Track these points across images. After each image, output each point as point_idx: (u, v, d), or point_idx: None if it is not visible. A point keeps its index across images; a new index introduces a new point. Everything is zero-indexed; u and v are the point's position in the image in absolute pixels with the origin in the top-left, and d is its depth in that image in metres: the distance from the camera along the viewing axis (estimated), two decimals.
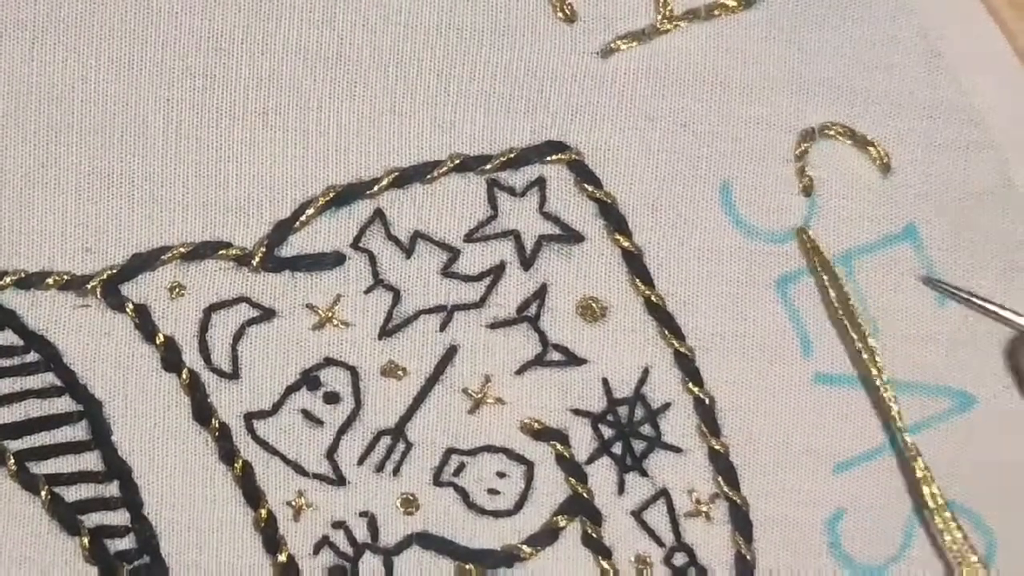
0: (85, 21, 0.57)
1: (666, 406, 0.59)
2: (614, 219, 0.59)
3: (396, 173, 0.58)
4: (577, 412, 0.58)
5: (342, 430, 0.58)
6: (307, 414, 0.57)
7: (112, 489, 0.57)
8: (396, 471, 0.58)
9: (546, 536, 0.58)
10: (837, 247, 0.59)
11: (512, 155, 0.58)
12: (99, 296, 0.57)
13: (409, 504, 0.58)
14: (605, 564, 0.58)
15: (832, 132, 0.60)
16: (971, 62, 0.60)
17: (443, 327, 0.58)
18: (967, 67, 0.60)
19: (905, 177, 0.60)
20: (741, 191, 0.59)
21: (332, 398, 0.58)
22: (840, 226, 0.59)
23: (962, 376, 0.60)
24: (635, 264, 0.59)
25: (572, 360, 0.58)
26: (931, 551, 0.59)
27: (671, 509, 0.58)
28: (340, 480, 0.57)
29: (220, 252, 0.57)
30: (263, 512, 0.57)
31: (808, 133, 0.59)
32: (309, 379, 0.57)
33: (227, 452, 0.57)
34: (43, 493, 0.56)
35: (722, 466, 0.58)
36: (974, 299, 0.59)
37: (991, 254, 0.60)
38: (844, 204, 0.60)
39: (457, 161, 0.58)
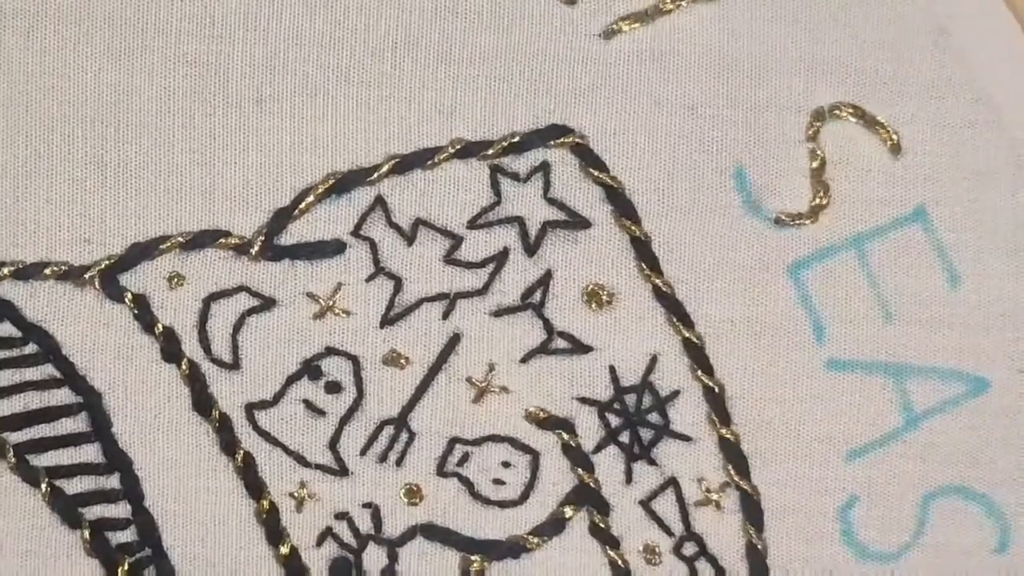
0: (80, 10, 0.57)
1: (675, 394, 0.58)
2: (621, 204, 0.58)
3: (397, 159, 0.57)
4: (583, 400, 0.58)
5: (344, 420, 0.57)
6: (309, 404, 0.57)
7: (113, 481, 0.57)
8: (399, 461, 0.57)
9: (553, 526, 0.57)
10: (847, 230, 0.59)
11: (515, 140, 0.58)
12: (98, 286, 0.57)
13: (413, 495, 0.57)
14: (613, 554, 0.57)
15: (842, 112, 0.59)
16: (979, 41, 0.59)
17: (446, 315, 0.57)
18: (975, 46, 0.59)
19: (914, 158, 0.59)
20: (753, 175, 0.59)
21: (334, 388, 0.57)
22: (850, 209, 0.59)
23: (975, 360, 0.59)
24: (643, 251, 0.58)
25: (578, 348, 0.58)
26: (945, 538, 0.58)
27: (680, 498, 0.58)
28: (343, 471, 0.57)
29: (219, 241, 0.57)
30: (265, 503, 0.57)
31: (819, 113, 0.59)
32: (310, 369, 0.57)
33: (228, 443, 0.57)
34: (43, 486, 0.56)
35: (732, 454, 0.58)
36: None
37: (1001, 234, 0.59)
38: (854, 186, 0.59)
39: (458, 147, 0.57)
